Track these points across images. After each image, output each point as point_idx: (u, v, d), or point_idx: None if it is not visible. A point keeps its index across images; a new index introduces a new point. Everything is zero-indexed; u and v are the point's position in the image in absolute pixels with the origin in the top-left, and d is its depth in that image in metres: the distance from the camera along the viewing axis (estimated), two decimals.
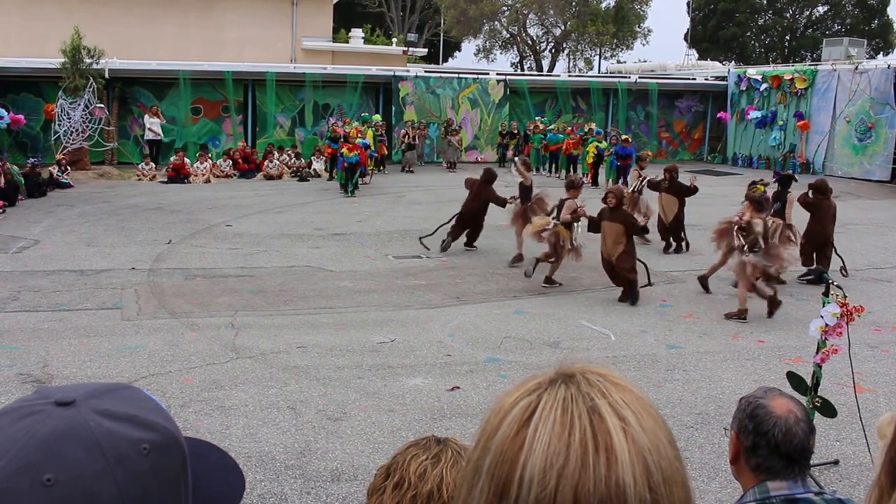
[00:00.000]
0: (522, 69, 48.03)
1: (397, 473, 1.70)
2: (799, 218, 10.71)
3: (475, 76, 26.90)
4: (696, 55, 40.35)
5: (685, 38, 46.26)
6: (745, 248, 8.91)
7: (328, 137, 20.99)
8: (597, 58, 49.22)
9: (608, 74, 36.46)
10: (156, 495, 0.84)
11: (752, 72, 27.34)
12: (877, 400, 6.54)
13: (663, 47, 79.28)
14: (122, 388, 0.91)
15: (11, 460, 0.79)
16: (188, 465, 0.91)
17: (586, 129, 22.30)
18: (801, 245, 10.28)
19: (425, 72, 26.71)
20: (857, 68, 23.59)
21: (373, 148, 21.26)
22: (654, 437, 0.82)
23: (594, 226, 9.86)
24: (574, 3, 45.74)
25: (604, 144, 20.45)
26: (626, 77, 29.70)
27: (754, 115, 26.36)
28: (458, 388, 6.63)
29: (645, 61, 41.33)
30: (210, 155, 21.40)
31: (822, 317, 5.17)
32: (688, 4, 47.38)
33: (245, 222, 14.39)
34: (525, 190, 11.74)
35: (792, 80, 25.24)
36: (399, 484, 1.67)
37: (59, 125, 20.11)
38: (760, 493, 2.24)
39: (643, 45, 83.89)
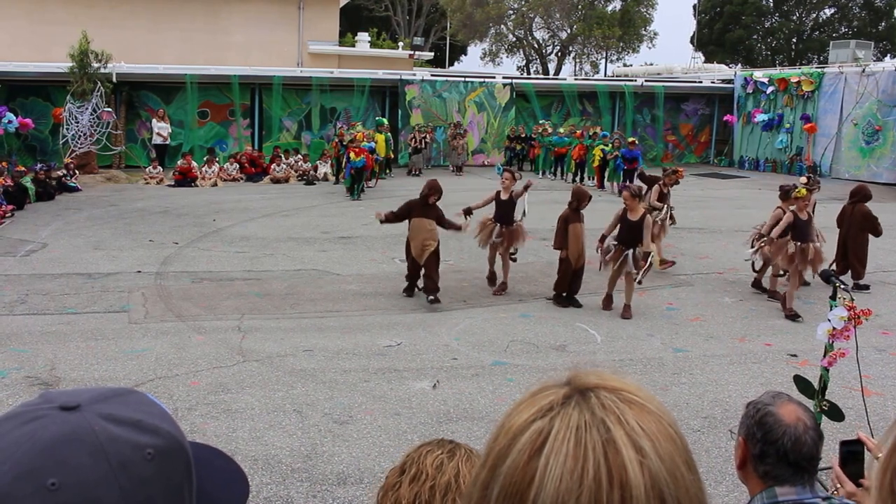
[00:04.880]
0: (528, 73, 48.05)
1: (413, 467, 1.71)
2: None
3: (481, 80, 26.93)
4: (703, 58, 40.26)
5: (691, 41, 46.18)
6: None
7: (336, 138, 21.04)
8: (603, 61, 49.26)
9: (614, 78, 36.43)
10: (160, 500, 0.84)
11: (759, 75, 27.28)
12: (885, 403, 6.51)
13: (669, 50, 79.39)
14: (126, 392, 0.91)
15: (15, 465, 0.79)
16: (192, 471, 0.91)
17: (591, 133, 22.28)
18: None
19: (431, 75, 26.73)
20: (864, 71, 23.51)
21: (384, 152, 21.28)
22: (672, 466, 0.79)
23: (563, 235, 9.32)
24: (580, 7, 45.77)
25: (609, 148, 20.43)
26: (632, 80, 29.69)
27: (761, 117, 26.30)
28: (438, 383, 6.71)
29: (651, 64, 41.34)
30: (217, 159, 21.48)
31: (829, 320, 5.15)
32: (694, 7, 47.34)
33: (252, 226, 14.42)
34: (504, 205, 9.89)
35: (799, 82, 25.17)
36: (416, 476, 1.68)
37: (68, 129, 20.21)
38: (768, 497, 2.22)
39: (649, 48, 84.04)
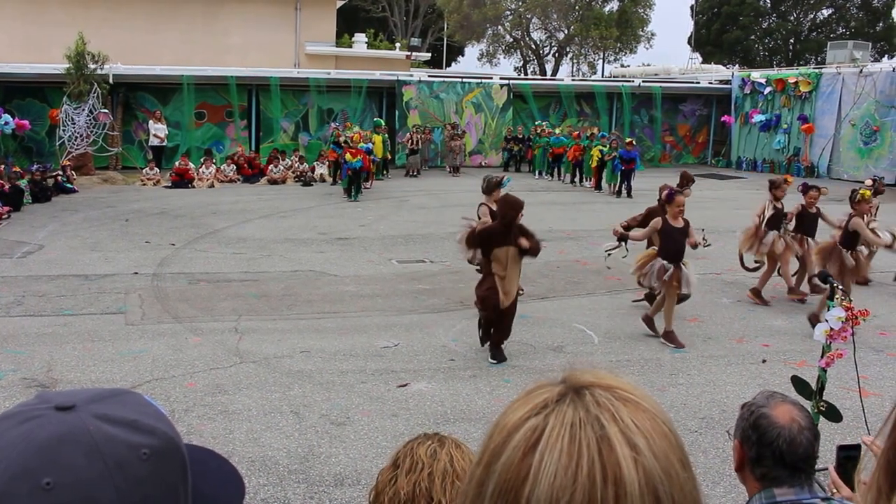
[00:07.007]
0: (526, 73, 48.06)
1: (407, 460, 1.72)
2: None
3: (478, 80, 26.95)
4: (700, 59, 40.36)
5: (689, 42, 46.27)
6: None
7: (332, 142, 21.02)
8: (600, 62, 49.32)
9: (612, 78, 36.46)
10: (155, 501, 0.84)
11: (756, 75, 27.32)
12: (882, 404, 6.50)
13: (667, 51, 79.28)
14: (122, 393, 0.91)
15: (11, 465, 0.78)
16: (188, 471, 0.91)
17: (588, 134, 22.30)
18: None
19: (429, 76, 26.76)
20: (861, 71, 23.56)
21: (381, 153, 21.26)
22: (666, 463, 0.79)
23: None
24: (577, 7, 45.80)
25: (606, 149, 20.45)
26: (629, 81, 29.72)
27: (758, 118, 26.34)
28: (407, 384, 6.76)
29: (648, 65, 41.35)
30: (214, 160, 21.47)
31: (826, 321, 5.15)
32: (691, 8, 47.43)
33: (249, 227, 14.40)
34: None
35: (796, 83, 25.22)
36: (413, 467, 1.70)
37: (64, 130, 20.19)
38: (766, 498, 2.22)
39: (647, 48, 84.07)
